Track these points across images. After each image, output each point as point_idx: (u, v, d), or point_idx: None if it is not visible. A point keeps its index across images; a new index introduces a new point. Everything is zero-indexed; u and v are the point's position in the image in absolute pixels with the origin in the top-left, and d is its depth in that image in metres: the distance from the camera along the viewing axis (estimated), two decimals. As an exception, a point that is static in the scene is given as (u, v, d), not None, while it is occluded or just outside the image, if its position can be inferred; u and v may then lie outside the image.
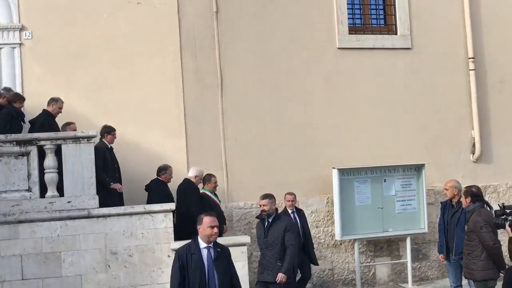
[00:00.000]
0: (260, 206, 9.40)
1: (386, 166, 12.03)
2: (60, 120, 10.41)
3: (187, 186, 10.60)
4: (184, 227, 9.87)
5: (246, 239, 10.12)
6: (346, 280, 12.14)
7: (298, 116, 12.06)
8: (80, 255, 9.53)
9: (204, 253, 6.87)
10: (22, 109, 10.37)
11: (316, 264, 11.09)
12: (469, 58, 12.95)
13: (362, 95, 12.45)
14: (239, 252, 9.88)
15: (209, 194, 10.80)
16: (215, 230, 6.93)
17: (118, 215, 9.73)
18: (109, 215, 9.69)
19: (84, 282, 9.51)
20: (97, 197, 9.74)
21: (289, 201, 10.85)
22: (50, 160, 9.61)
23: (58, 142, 9.67)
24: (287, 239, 9.08)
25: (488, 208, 8.64)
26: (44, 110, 10.31)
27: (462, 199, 8.90)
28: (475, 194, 8.69)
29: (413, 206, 12.11)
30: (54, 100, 10.34)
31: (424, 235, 12.38)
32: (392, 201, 12.00)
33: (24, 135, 9.81)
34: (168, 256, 9.56)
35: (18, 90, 10.72)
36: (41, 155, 9.68)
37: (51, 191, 9.63)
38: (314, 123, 12.13)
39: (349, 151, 12.17)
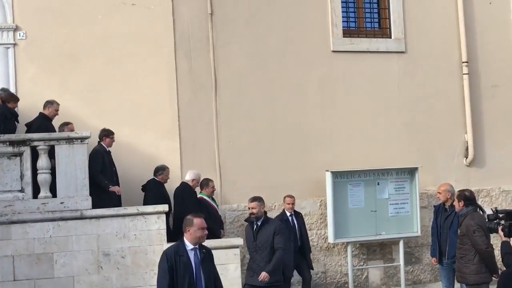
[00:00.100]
0: (249, 208, 9.16)
1: (379, 169, 12.03)
2: (55, 122, 10.40)
3: (184, 189, 10.60)
4: (181, 231, 9.84)
5: (239, 241, 10.12)
6: (339, 283, 12.15)
7: (292, 118, 12.07)
8: (72, 256, 9.50)
9: (191, 255, 6.92)
10: (15, 109, 10.33)
11: (311, 268, 11.11)
12: (463, 62, 12.99)
13: (356, 98, 12.46)
14: (232, 254, 9.89)
15: (207, 198, 10.80)
16: (205, 231, 7.02)
17: (111, 216, 9.71)
18: (102, 216, 9.67)
19: (76, 283, 9.48)
20: (90, 198, 9.73)
21: (289, 204, 10.87)
22: (43, 161, 9.58)
23: (51, 142, 9.65)
24: (276, 242, 8.88)
25: (481, 212, 8.65)
26: (40, 113, 10.29)
27: (455, 203, 8.91)
28: (468, 198, 8.70)
29: (406, 210, 12.11)
30: (50, 103, 10.32)
31: (417, 238, 12.39)
32: (385, 204, 12.00)
33: (17, 135, 9.79)
34: (161, 258, 9.55)
35: (11, 90, 10.67)
36: (35, 156, 9.66)
37: (44, 192, 9.61)
38: (308, 126, 12.14)
39: (342, 154, 12.18)
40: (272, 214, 11.52)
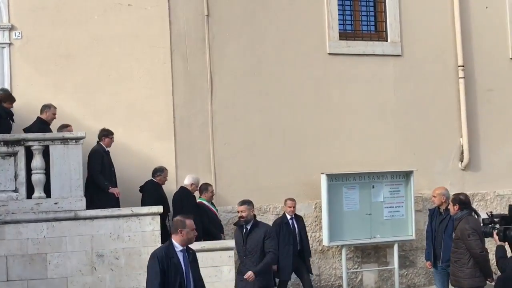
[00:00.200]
0: (238, 212, 8.92)
1: (374, 173, 12.04)
2: (52, 124, 10.38)
3: (183, 194, 10.60)
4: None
5: (233, 243, 10.07)
6: (333, 286, 12.13)
7: (288, 120, 12.06)
8: (66, 257, 9.47)
9: (181, 256, 6.93)
10: (10, 109, 10.30)
11: (311, 273, 11.09)
12: (459, 66, 13.00)
13: (351, 101, 12.46)
14: (226, 257, 9.88)
15: (206, 203, 10.79)
16: (196, 232, 7.06)
17: (105, 217, 9.68)
18: (96, 217, 9.64)
19: (69, 284, 9.45)
20: (84, 198, 9.71)
21: (290, 207, 10.86)
22: (37, 161, 9.55)
23: (46, 143, 9.63)
24: (267, 246, 8.66)
25: (476, 216, 8.65)
26: (38, 118, 10.26)
27: (450, 207, 8.91)
28: (463, 202, 8.70)
29: (401, 213, 12.11)
30: (47, 107, 10.30)
31: (411, 242, 12.39)
32: (380, 207, 12.00)
33: (12, 135, 9.77)
34: (155, 259, 9.51)
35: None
36: (29, 156, 9.63)
37: (38, 192, 9.58)
38: (304, 128, 12.14)
39: (338, 157, 12.17)
40: (266, 216, 11.57)
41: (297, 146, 12.06)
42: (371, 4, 12.97)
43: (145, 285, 6.94)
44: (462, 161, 13.01)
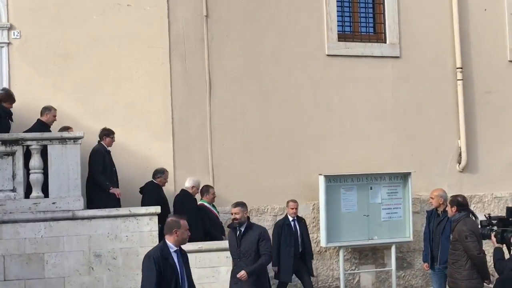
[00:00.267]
0: (232, 214, 8.78)
1: (372, 174, 12.04)
2: (53, 126, 10.37)
3: (184, 196, 10.59)
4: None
5: (230, 244, 10.09)
6: (330, 287, 12.13)
7: (286, 121, 12.06)
8: (63, 257, 9.47)
9: (175, 256, 6.94)
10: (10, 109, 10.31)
11: (312, 275, 11.09)
12: (457, 68, 13.01)
13: (350, 102, 12.47)
14: (223, 257, 9.87)
15: (208, 205, 10.79)
16: (189, 233, 7.06)
17: (103, 217, 9.68)
18: (94, 217, 9.64)
19: (67, 284, 9.45)
20: (82, 198, 9.71)
21: (292, 208, 10.87)
22: (35, 161, 9.55)
23: (44, 142, 9.64)
24: (262, 248, 8.61)
25: (474, 218, 8.66)
26: (38, 120, 10.25)
27: (448, 208, 8.90)
28: (461, 204, 8.70)
29: (399, 215, 12.12)
30: (47, 109, 10.28)
31: (409, 243, 12.39)
32: (378, 209, 12.00)
33: (10, 134, 9.75)
34: (153, 259, 9.51)
35: (6, 89, 10.67)
36: (27, 156, 9.62)
37: (36, 192, 9.58)
38: (302, 129, 12.14)
39: (336, 158, 12.18)
40: (264, 217, 11.58)
41: (295, 147, 12.06)
42: (370, 5, 12.97)
43: (141, 286, 6.95)
44: (460, 163, 13.02)
